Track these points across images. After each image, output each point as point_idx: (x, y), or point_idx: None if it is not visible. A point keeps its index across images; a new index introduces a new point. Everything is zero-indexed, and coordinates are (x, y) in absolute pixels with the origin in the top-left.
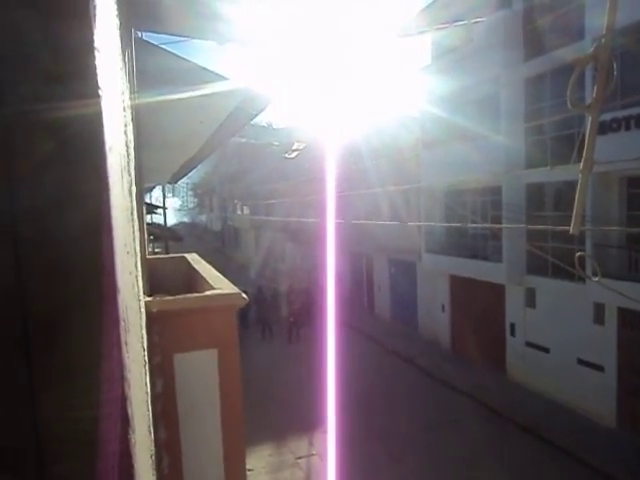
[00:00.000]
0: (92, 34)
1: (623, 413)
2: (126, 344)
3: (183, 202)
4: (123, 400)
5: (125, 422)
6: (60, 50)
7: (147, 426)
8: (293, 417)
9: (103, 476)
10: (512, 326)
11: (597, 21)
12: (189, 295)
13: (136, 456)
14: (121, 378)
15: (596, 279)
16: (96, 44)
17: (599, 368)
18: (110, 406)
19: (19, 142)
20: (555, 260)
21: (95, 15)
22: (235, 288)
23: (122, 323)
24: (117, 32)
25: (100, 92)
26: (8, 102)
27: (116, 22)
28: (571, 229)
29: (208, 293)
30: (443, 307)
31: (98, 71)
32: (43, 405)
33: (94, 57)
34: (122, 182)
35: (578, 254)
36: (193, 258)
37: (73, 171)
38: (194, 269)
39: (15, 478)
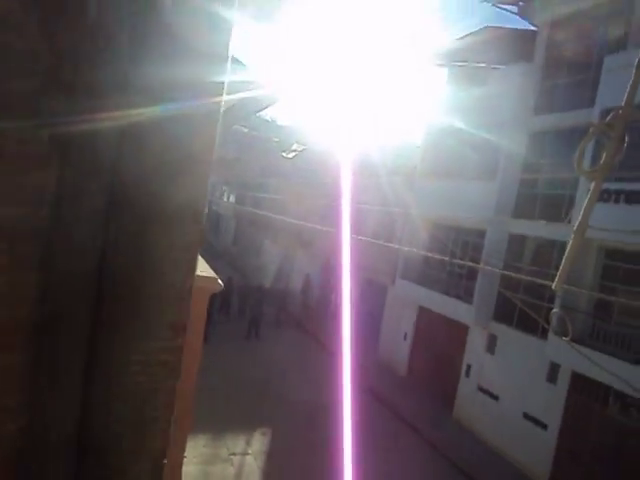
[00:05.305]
0: (228, 43)
1: (556, 475)
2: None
3: None
4: (179, 349)
5: (177, 370)
6: (205, 56)
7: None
8: (234, 414)
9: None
10: (468, 367)
11: (607, 95)
12: None
13: (174, 399)
14: (183, 328)
15: (567, 339)
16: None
17: (543, 425)
18: (171, 354)
19: (140, 144)
20: (528, 310)
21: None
22: (212, 272)
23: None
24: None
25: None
26: (123, 116)
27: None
28: (554, 285)
29: None
30: (405, 335)
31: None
32: (114, 346)
33: (227, 61)
34: None
35: (554, 311)
36: None
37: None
38: None
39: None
